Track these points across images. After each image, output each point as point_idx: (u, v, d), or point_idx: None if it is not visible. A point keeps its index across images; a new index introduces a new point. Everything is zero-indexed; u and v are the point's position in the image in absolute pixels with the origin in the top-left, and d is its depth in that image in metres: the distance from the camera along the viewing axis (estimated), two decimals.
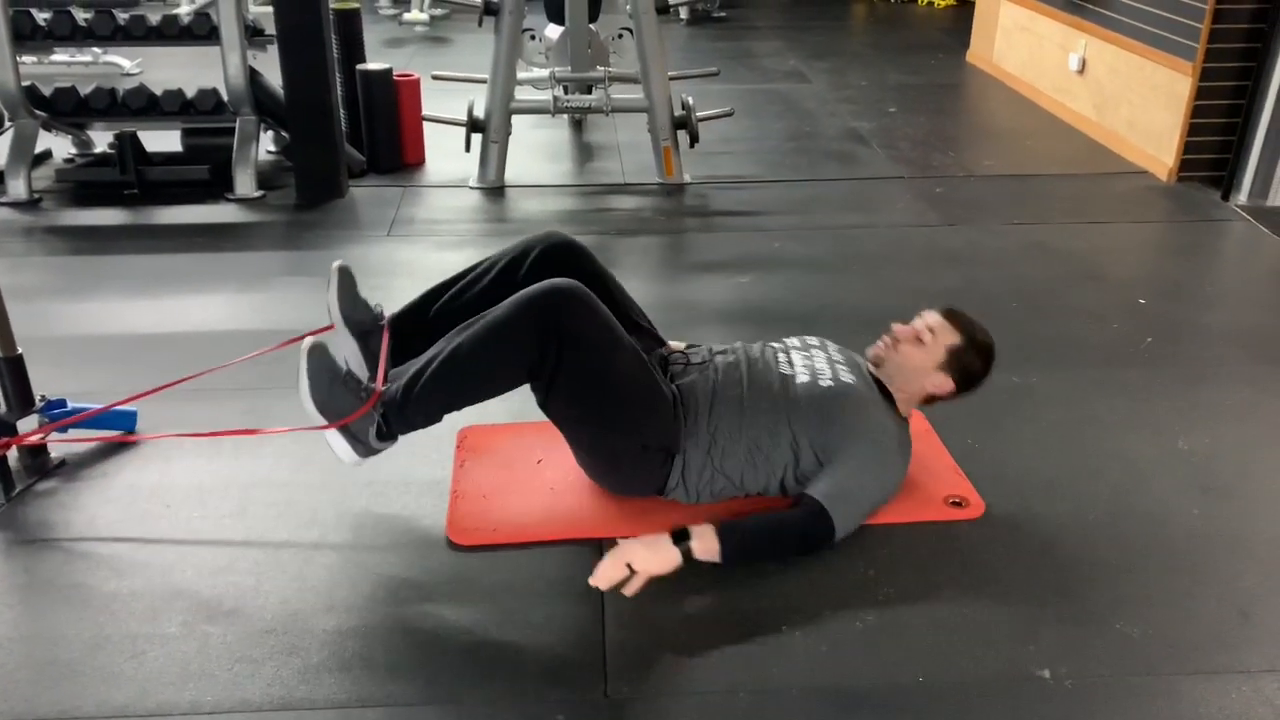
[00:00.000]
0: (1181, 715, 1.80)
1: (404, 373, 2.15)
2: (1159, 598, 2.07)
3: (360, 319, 2.31)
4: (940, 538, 2.24)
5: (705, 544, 2.02)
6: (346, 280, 2.31)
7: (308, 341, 2.09)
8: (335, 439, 2.11)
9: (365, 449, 2.14)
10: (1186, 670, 1.89)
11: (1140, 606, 2.04)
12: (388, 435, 2.16)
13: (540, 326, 2.04)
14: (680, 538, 2.02)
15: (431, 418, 2.18)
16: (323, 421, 2.08)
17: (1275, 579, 2.13)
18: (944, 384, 2.28)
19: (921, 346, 2.28)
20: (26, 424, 2.44)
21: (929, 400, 2.34)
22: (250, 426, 2.60)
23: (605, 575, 1.97)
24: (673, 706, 1.81)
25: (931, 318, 2.31)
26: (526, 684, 1.86)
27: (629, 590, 1.96)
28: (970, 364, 2.29)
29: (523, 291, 2.09)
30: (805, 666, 1.89)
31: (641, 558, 1.98)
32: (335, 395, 2.08)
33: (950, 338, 2.28)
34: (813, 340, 2.43)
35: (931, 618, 2.01)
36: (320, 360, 2.08)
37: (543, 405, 2.19)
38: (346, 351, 2.29)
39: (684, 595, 2.01)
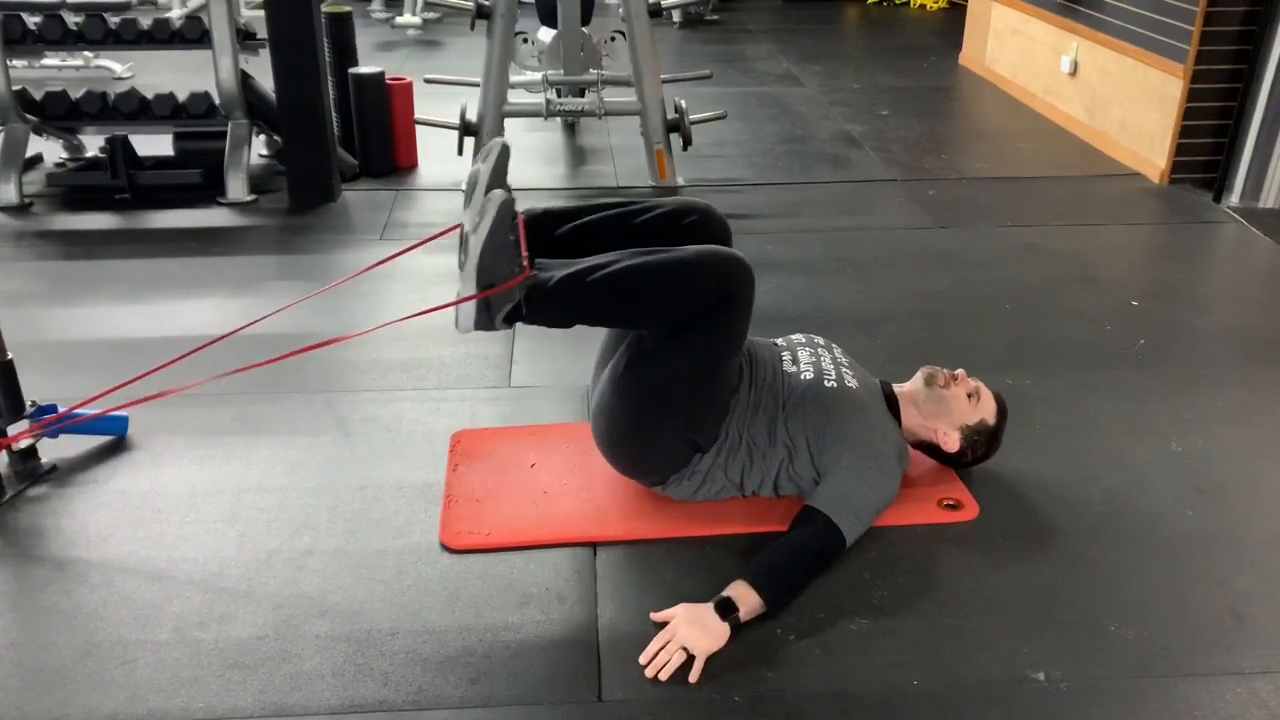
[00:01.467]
0: (1176, 717, 1.79)
1: (558, 266, 2.09)
2: (1153, 600, 2.07)
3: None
4: (935, 540, 2.24)
5: (749, 605, 1.96)
6: (504, 160, 2.20)
7: (500, 193, 2.02)
8: (469, 305, 2.02)
9: (488, 322, 2.05)
10: (1181, 672, 1.89)
11: (1135, 608, 2.04)
12: (514, 318, 2.08)
13: (721, 285, 2.03)
14: (726, 609, 1.94)
15: (572, 318, 2.13)
16: (474, 283, 1.99)
17: (1269, 580, 2.13)
18: (953, 443, 2.33)
19: (969, 401, 2.33)
20: (17, 430, 2.42)
21: (925, 445, 2.37)
22: (242, 436, 2.60)
23: (662, 664, 1.88)
24: (667, 711, 1.81)
25: (985, 391, 2.36)
26: (521, 688, 1.85)
27: (693, 677, 1.85)
28: (979, 445, 2.35)
29: (715, 247, 2.08)
30: (800, 670, 1.89)
31: (695, 639, 1.90)
32: (498, 260, 2.01)
33: (989, 415, 2.34)
34: (819, 340, 2.44)
35: (926, 621, 2.01)
36: (506, 216, 2.01)
37: (639, 356, 2.13)
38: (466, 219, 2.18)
39: (678, 599, 2.00)
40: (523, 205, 2.16)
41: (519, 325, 2.11)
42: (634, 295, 2.05)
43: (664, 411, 2.16)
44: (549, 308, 2.09)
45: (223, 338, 2.41)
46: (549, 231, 2.27)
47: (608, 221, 2.28)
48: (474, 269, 1.99)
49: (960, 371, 2.37)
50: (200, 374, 2.43)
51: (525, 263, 2.08)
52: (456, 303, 2.02)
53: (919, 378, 2.37)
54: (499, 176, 2.17)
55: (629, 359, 2.15)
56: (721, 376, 2.16)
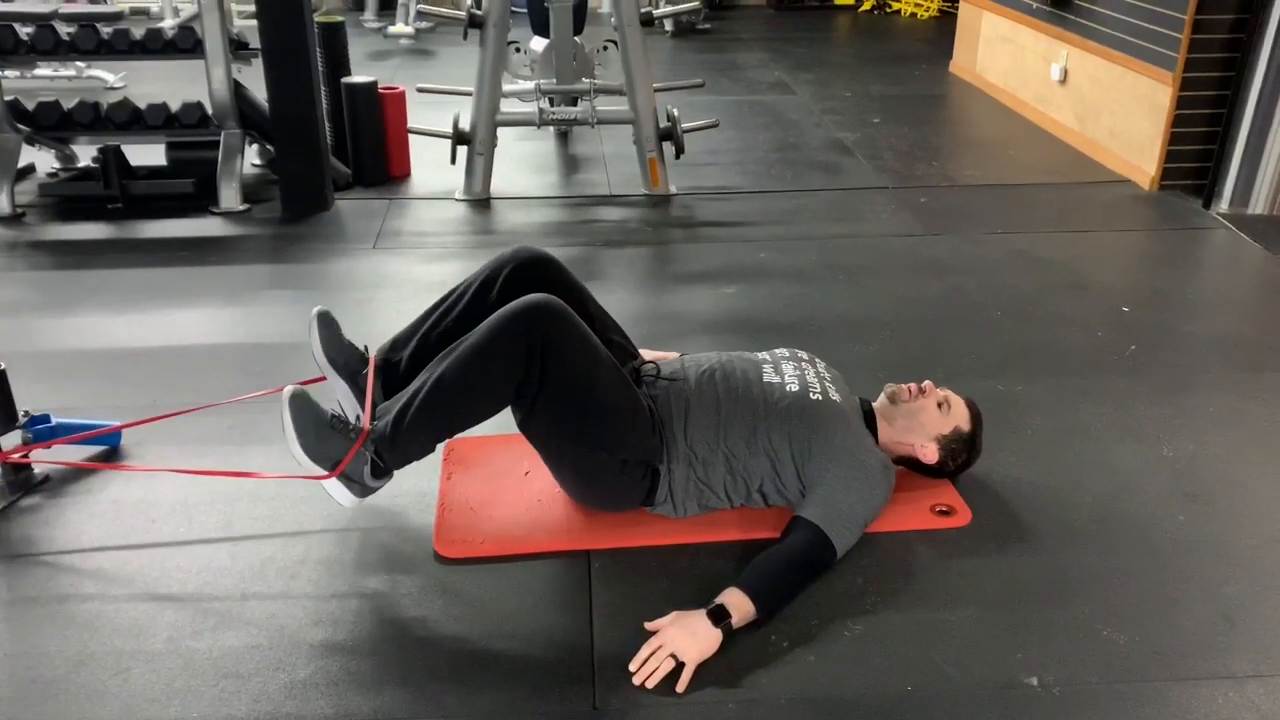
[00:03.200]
0: None
1: (391, 407, 2.12)
2: (1145, 605, 2.08)
3: (346, 360, 2.29)
4: (927, 546, 2.24)
5: (741, 612, 1.96)
6: (327, 324, 2.28)
7: (288, 390, 2.05)
8: (333, 485, 2.07)
9: (362, 489, 2.11)
10: (1173, 677, 1.90)
11: (1126, 613, 2.05)
12: (384, 472, 2.13)
13: (521, 343, 2.02)
14: (718, 617, 1.93)
15: (425, 447, 2.15)
16: (317, 469, 2.05)
17: (1259, 585, 2.14)
18: (930, 454, 2.33)
19: (939, 411, 2.33)
20: (10, 440, 2.42)
21: (905, 460, 2.38)
22: (236, 445, 2.60)
23: (650, 671, 1.87)
24: (661, 717, 1.81)
25: (955, 398, 2.36)
26: (515, 696, 1.85)
27: (680, 686, 1.85)
28: (958, 453, 2.35)
29: (500, 310, 2.07)
30: (793, 676, 1.89)
31: (685, 647, 1.89)
32: (324, 440, 2.05)
33: (962, 421, 2.34)
34: (803, 354, 2.44)
35: (919, 626, 2.02)
36: (302, 407, 2.05)
37: (523, 423, 2.17)
38: (339, 394, 2.28)
39: (672, 606, 2.01)
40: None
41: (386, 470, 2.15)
42: (452, 401, 2.07)
43: (581, 454, 2.18)
44: (398, 451, 2.12)
45: (248, 397, 2.40)
46: (398, 361, 2.32)
47: (433, 329, 2.32)
48: (309, 462, 2.04)
49: (928, 383, 2.37)
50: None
51: (365, 422, 2.13)
52: (310, 478, 2.06)
53: (883, 397, 2.38)
54: (332, 341, 2.27)
55: (527, 427, 2.18)
56: (601, 397, 2.12)
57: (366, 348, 2.35)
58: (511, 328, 2.04)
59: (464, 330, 2.15)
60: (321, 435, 2.05)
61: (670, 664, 1.88)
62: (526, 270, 2.30)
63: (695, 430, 2.21)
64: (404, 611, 2.06)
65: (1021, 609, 2.07)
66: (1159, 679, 1.89)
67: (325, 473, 2.05)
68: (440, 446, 2.55)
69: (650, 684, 1.86)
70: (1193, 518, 2.35)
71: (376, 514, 2.34)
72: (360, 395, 2.26)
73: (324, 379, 2.29)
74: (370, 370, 2.27)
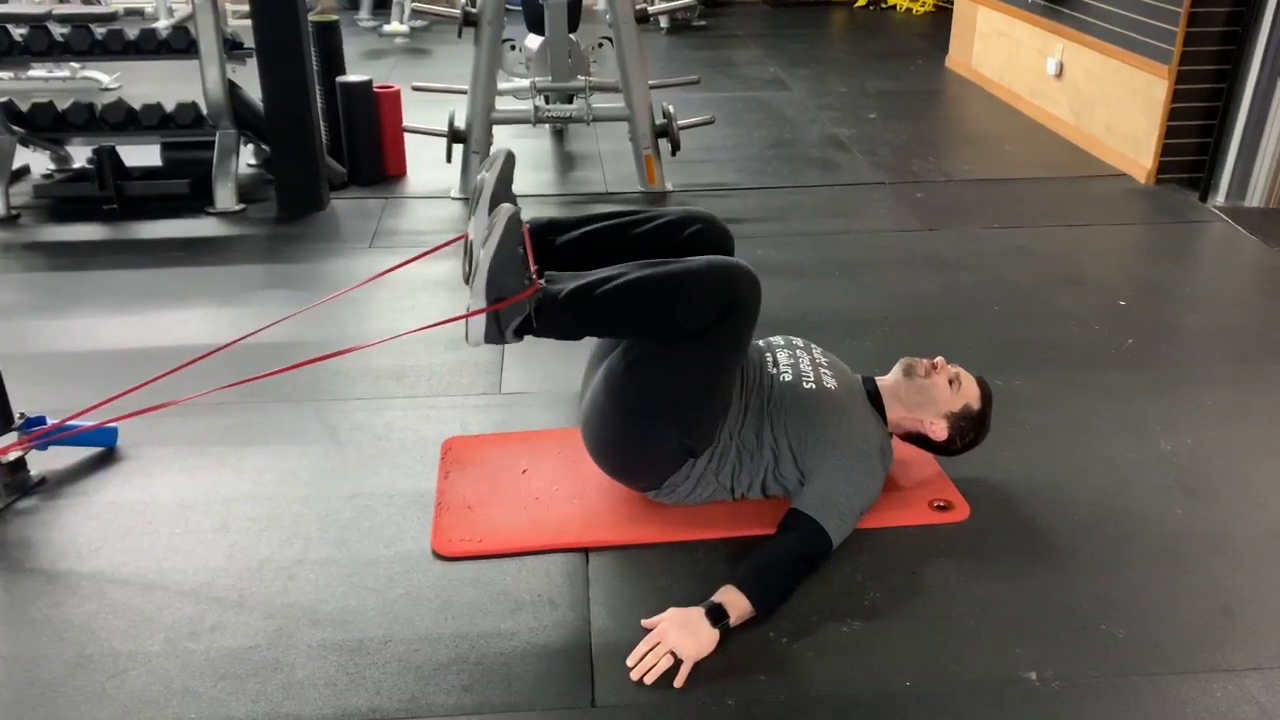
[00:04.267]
0: (1168, 715, 1.80)
1: (566, 279, 2.10)
2: (1144, 598, 2.08)
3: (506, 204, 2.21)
4: (926, 541, 2.24)
5: (739, 611, 1.96)
6: (508, 168, 2.23)
7: (509, 208, 2.03)
8: (477, 319, 2.03)
9: (498, 335, 2.06)
10: (1172, 670, 1.90)
11: (1125, 607, 2.05)
12: (525, 331, 2.09)
13: (729, 295, 2.03)
14: (717, 616, 1.93)
15: (582, 329, 2.15)
16: (484, 297, 2.00)
17: (1258, 577, 2.14)
18: (940, 431, 2.33)
19: (950, 388, 2.33)
20: (5, 442, 2.41)
21: (913, 436, 2.37)
22: (233, 446, 2.59)
23: (648, 667, 1.87)
24: (660, 715, 1.81)
25: (966, 376, 2.36)
26: (514, 695, 1.85)
27: (678, 682, 1.85)
28: (966, 431, 2.35)
29: (721, 258, 2.11)
30: (792, 672, 1.89)
31: (683, 645, 1.89)
32: (506, 274, 2.02)
33: (972, 400, 2.34)
34: (798, 341, 2.44)
35: (918, 622, 2.02)
36: (514, 231, 2.02)
37: (640, 359, 2.13)
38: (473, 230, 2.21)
39: (670, 603, 2.00)
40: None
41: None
42: (643, 307, 2.06)
43: (659, 416, 2.16)
44: (559, 320, 2.10)
45: (216, 350, 2.40)
46: (551, 241, 2.28)
47: (610, 231, 2.30)
48: (483, 284, 2.00)
49: (940, 359, 2.36)
50: (191, 384, 2.43)
51: (534, 275, 2.09)
52: (467, 315, 2.03)
53: (898, 370, 2.38)
54: (504, 185, 2.19)
55: (629, 362, 2.15)
56: (722, 383, 2.16)
57: (516, 197, 2.27)
58: (730, 278, 2.05)
59: (642, 251, 2.16)
60: (509, 265, 2.02)
61: (668, 661, 1.88)
62: (715, 236, 2.30)
63: (724, 421, 2.22)
64: (401, 610, 2.05)
65: (1020, 603, 2.06)
66: (1158, 672, 1.89)
67: (485, 305, 2.00)
68: (438, 445, 2.55)
69: (648, 680, 1.86)
70: (1191, 511, 2.35)
71: (373, 513, 2.34)
72: (519, 253, 2.16)
73: (463, 237, 2.20)
74: (526, 233, 2.17)
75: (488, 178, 2.15)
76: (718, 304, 2.04)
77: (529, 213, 2.24)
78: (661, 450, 2.19)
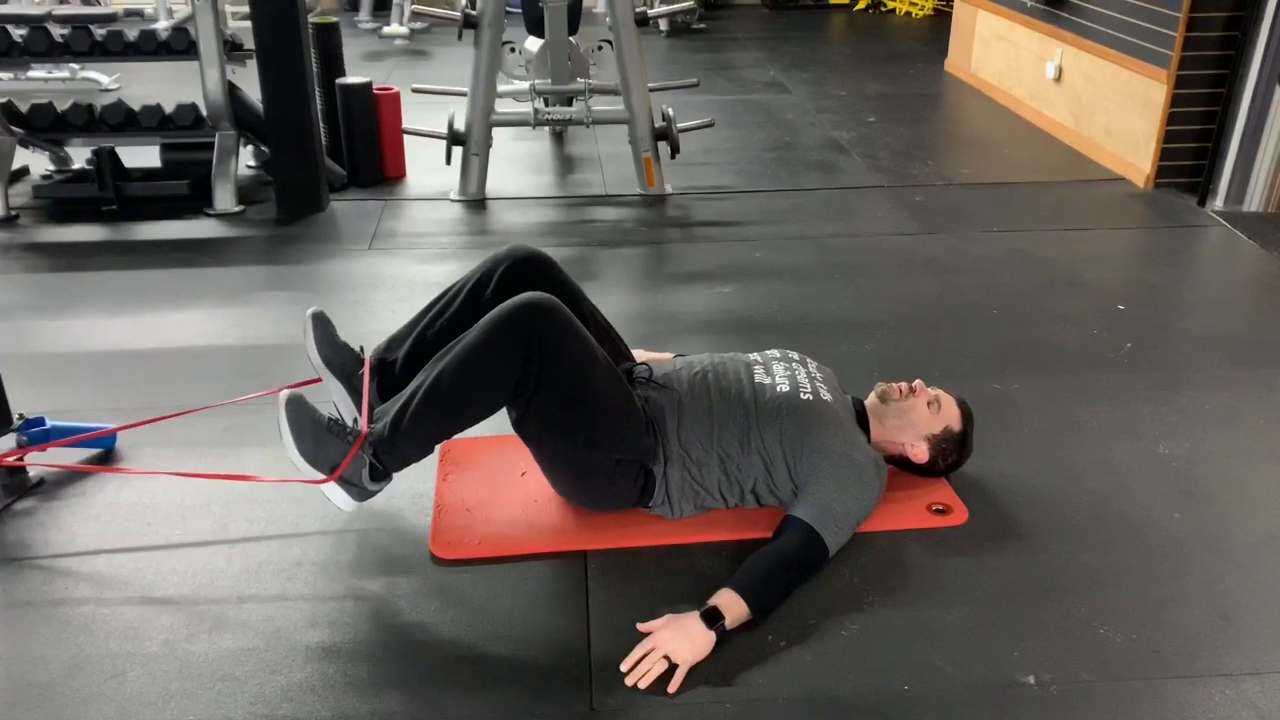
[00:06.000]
0: (1166, 719, 1.80)
1: (389, 409, 2.11)
2: (1141, 602, 2.08)
3: (342, 361, 2.28)
4: (924, 545, 2.24)
5: (735, 614, 1.95)
6: (322, 324, 2.28)
7: (284, 394, 2.04)
8: (331, 489, 2.07)
9: (361, 492, 2.10)
10: (1170, 674, 1.90)
11: (1123, 611, 2.05)
12: (382, 475, 2.12)
13: (518, 341, 2.01)
14: (712, 619, 1.93)
15: (424, 448, 2.15)
16: (315, 473, 2.04)
17: (1255, 582, 2.14)
18: (921, 454, 2.33)
19: (930, 410, 2.33)
20: (5, 442, 2.41)
21: (895, 459, 2.37)
22: (231, 448, 2.59)
23: (643, 672, 1.87)
24: (658, 718, 1.81)
25: (945, 397, 2.37)
26: (512, 697, 1.85)
27: (672, 687, 1.85)
28: (948, 453, 2.36)
29: (497, 309, 2.06)
30: (791, 676, 1.89)
31: (678, 649, 1.89)
32: (322, 444, 2.04)
33: (953, 421, 2.34)
34: (794, 355, 2.44)
35: (916, 625, 2.02)
36: (299, 411, 2.04)
37: (518, 422, 2.16)
38: (335, 396, 2.28)
39: (669, 606, 2.00)
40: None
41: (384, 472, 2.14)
42: (449, 402, 2.07)
43: (577, 452, 2.17)
44: (397, 453, 2.11)
45: (245, 399, 2.39)
46: (392, 364, 2.31)
47: (429, 326, 2.32)
48: (308, 467, 2.03)
49: (918, 382, 2.37)
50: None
51: (362, 424, 2.12)
52: (308, 482, 2.05)
53: (874, 395, 2.38)
54: (327, 342, 2.26)
55: (517, 425, 2.17)
56: (595, 397, 2.11)
57: (362, 348, 2.34)
58: (507, 325, 2.03)
59: (460, 329, 2.15)
60: (319, 439, 2.04)
61: (663, 665, 1.88)
62: (521, 269, 2.30)
63: (689, 432, 2.21)
64: (400, 613, 2.05)
65: (1018, 607, 2.07)
66: (1156, 677, 1.89)
67: (323, 477, 2.04)
68: (438, 448, 2.55)
69: (643, 684, 1.86)
70: (1189, 515, 2.35)
71: (372, 516, 2.33)
72: (357, 397, 2.25)
73: (319, 380, 2.28)
74: (366, 372, 2.27)
75: (306, 347, 2.24)
76: (515, 354, 2.02)
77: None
78: (609, 476, 2.19)
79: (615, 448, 2.16)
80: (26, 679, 1.88)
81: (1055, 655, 1.94)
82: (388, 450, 2.09)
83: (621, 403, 2.16)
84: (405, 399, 2.09)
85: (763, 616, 1.99)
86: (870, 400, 2.39)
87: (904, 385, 2.36)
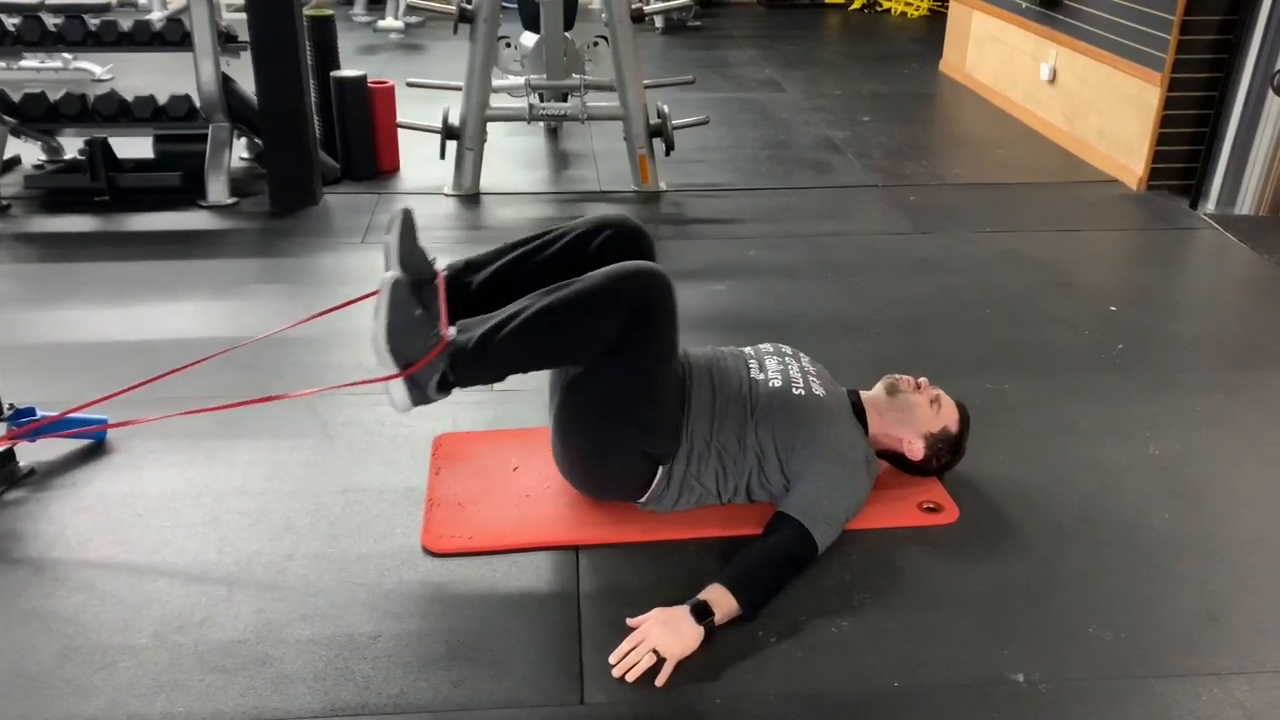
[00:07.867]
0: (1153, 718, 1.81)
1: (475, 325, 2.09)
2: (1130, 602, 2.09)
3: (417, 265, 2.22)
4: (915, 543, 2.25)
5: (724, 608, 1.96)
6: (409, 226, 2.22)
7: (390, 275, 2.01)
8: (396, 386, 2.03)
9: (422, 397, 2.07)
10: (1158, 673, 1.91)
11: (1112, 610, 2.06)
12: (449, 385, 2.10)
13: (633, 306, 2.02)
14: (702, 613, 1.93)
15: (500, 374, 2.14)
16: (391, 364, 2.00)
17: (1244, 582, 2.15)
18: (917, 451, 2.34)
19: (931, 408, 2.34)
20: None
21: (889, 455, 2.38)
22: (224, 440, 2.59)
23: (631, 665, 1.87)
24: (648, 713, 1.81)
25: (947, 399, 2.37)
26: (503, 691, 1.85)
27: (660, 681, 1.85)
28: (943, 453, 2.37)
29: (620, 266, 2.06)
30: (781, 672, 1.90)
31: (667, 643, 1.89)
32: (408, 337, 2.02)
33: (951, 422, 2.35)
34: (787, 349, 2.44)
35: (906, 623, 2.02)
36: (402, 296, 2.02)
37: (574, 383, 2.14)
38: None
39: (659, 602, 2.01)
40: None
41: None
42: (549, 338, 2.06)
43: (611, 431, 2.17)
44: (475, 369, 2.10)
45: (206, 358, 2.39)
46: (469, 283, 2.28)
47: (520, 260, 2.29)
48: (387, 354, 2.01)
49: (924, 380, 2.38)
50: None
51: (442, 330, 2.10)
52: (376, 380, 2.03)
53: (881, 386, 2.39)
54: (408, 244, 2.20)
55: (568, 387, 2.17)
56: (660, 388, 2.14)
57: (435, 259, 2.28)
58: (630, 286, 2.03)
59: (552, 275, 2.13)
60: (408, 329, 2.02)
61: (651, 659, 1.88)
62: (627, 238, 2.27)
63: (694, 426, 2.21)
64: (391, 607, 2.05)
65: (1008, 606, 2.07)
66: (1144, 675, 1.90)
67: (397, 371, 2.01)
68: (429, 441, 2.55)
69: (630, 678, 1.86)
70: (1179, 515, 2.37)
71: (364, 509, 2.33)
72: (431, 306, 2.18)
73: (377, 293, 2.15)
74: (440, 283, 2.21)
75: (389, 241, 2.16)
76: (622, 315, 2.02)
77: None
78: (626, 463, 2.20)
79: (648, 438, 2.17)
80: (16, 669, 1.87)
81: (1044, 653, 1.95)
82: (467, 364, 2.07)
83: (675, 402, 2.18)
84: (499, 321, 2.06)
85: (753, 611, 2.00)
86: (874, 392, 2.39)
87: (911, 379, 2.37)
